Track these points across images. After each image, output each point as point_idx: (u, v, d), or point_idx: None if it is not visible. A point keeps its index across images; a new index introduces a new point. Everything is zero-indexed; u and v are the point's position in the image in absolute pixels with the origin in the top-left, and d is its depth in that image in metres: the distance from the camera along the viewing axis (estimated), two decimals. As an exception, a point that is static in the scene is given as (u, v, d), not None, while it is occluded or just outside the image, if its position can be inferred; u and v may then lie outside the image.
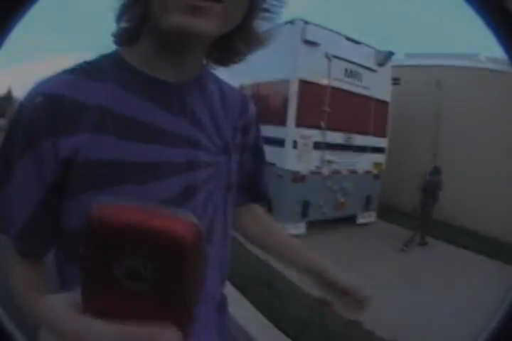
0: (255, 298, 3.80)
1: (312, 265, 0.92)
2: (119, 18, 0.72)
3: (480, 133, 8.47)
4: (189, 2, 0.60)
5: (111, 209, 0.27)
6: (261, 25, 0.77)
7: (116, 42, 0.75)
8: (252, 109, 0.95)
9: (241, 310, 3.48)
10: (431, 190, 6.70)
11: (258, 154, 0.99)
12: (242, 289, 3.92)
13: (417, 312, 4.14)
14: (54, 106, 0.65)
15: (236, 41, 0.76)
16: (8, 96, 66.14)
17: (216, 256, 0.82)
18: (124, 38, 0.73)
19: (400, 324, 3.73)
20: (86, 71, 0.70)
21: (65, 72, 0.70)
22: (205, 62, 0.82)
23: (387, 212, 8.57)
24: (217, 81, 0.88)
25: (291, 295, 4.06)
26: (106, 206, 0.28)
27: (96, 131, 0.66)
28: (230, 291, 3.75)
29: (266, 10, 0.77)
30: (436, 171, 7.01)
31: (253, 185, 1.00)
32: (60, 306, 0.32)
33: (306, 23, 6.26)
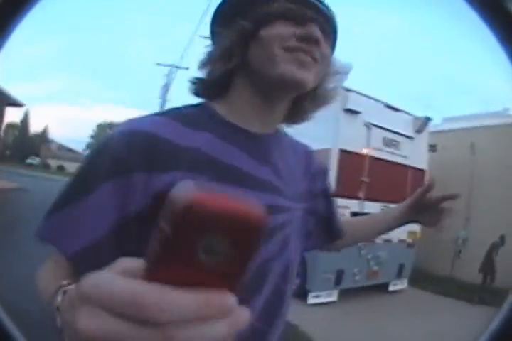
0: None
1: (400, 213, 1.11)
2: (209, 70, 0.84)
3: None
4: (298, 57, 0.76)
5: (200, 194, 0.30)
6: (329, 86, 0.92)
7: (202, 94, 0.86)
8: (318, 159, 1.09)
9: None
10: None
11: (329, 198, 1.09)
12: None
13: None
14: (149, 143, 0.71)
15: (305, 100, 0.90)
16: (43, 136, 67.43)
17: (288, 295, 0.90)
18: (213, 90, 0.85)
19: None
20: (178, 117, 0.78)
21: (157, 114, 0.80)
22: None
23: (420, 278, 8.54)
24: (289, 137, 1.01)
25: None
26: (196, 192, 0.31)
27: (191, 170, 0.72)
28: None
29: (336, 73, 0.91)
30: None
31: (331, 225, 1.10)
32: (119, 278, 0.32)
33: (348, 90, 6.34)
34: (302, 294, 6.40)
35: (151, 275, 0.31)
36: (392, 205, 6.95)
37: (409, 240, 7.51)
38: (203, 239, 0.30)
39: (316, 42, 0.78)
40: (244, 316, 0.34)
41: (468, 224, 9.04)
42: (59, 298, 0.50)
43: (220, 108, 0.83)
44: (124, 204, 0.69)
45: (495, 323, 0.60)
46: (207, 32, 0.89)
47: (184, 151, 0.73)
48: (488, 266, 6.90)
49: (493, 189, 8.86)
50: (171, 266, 0.31)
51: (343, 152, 6.34)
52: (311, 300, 6.35)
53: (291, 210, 0.87)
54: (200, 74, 0.86)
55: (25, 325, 0.64)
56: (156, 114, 0.80)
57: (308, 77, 0.78)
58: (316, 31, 0.78)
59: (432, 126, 8.73)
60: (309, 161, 1.04)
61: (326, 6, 0.84)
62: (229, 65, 0.81)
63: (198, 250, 0.31)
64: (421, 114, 7.84)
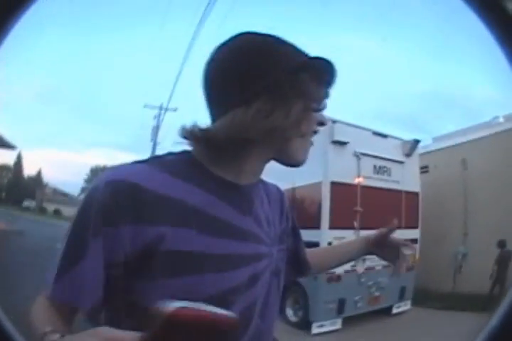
0: None
1: (361, 246, 1.20)
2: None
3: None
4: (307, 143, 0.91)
5: (182, 309, 0.43)
6: None
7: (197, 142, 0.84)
8: (285, 197, 1.15)
9: None
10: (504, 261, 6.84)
11: (297, 234, 1.17)
12: None
13: None
14: (135, 195, 0.73)
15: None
16: (37, 179, 67.59)
17: (268, 334, 0.97)
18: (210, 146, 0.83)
19: None
20: (162, 166, 0.80)
21: (140, 162, 0.82)
22: None
23: (423, 296, 8.62)
24: (263, 182, 1.04)
25: None
26: (177, 307, 0.43)
27: (179, 224, 0.75)
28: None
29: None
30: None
31: (299, 261, 1.18)
32: None
33: (334, 121, 6.49)
34: (305, 325, 6.60)
35: None
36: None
37: (409, 263, 7.62)
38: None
39: (323, 125, 0.93)
40: None
41: (467, 238, 9.17)
42: None
43: (202, 158, 0.85)
44: (113, 256, 0.73)
45: (493, 321, 0.63)
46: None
47: (170, 203, 0.76)
48: (499, 276, 6.86)
49: (488, 201, 8.97)
50: None
51: (335, 184, 6.49)
52: (315, 330, 6.46)
53: (270, 255, 0.92)
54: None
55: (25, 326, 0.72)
56: (138, 162, 0.82)
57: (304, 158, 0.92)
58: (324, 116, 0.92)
59: (421, 148, 8.91)
60: (282, 202, 1.10)
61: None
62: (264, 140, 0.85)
63: None
64: (411, 136, 7.98)
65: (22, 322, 0.65)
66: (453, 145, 9.93)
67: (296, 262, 1.17)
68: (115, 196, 0.73)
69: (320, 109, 0.89)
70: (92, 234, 0.72)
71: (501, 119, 10.28)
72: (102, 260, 0.73)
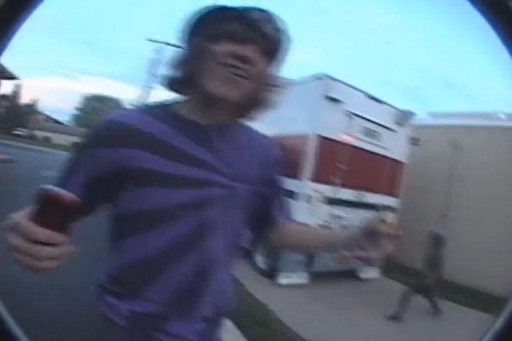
0: (251, 335, 4.26)
1: (350, 236, 1.23)
2: (176, 71, 1.13)
3: (492, 195, 8.92)
4: (228, 72, 1.04)
5: (47, 190, 0.72)
6: (266, 95, 1.20)
7: (168, 87, 1.18)
8: (277, 150, 1.38)
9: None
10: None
11: (276, 187, 1.38)
12: (239, 327, 4.35)
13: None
14: (120, 129, 1.07)
15: (248, 105, 1.20)
16: (32, 107, 67.54)
17: (219, 266, 1.17)
18: (176, 86, 1.17)
19: None
20: (148, 111, 1.14)
21: (136, 109, 1.20)
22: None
23: (394, 269, 8.86)
24: (248, 129, 1.33)
25: (285, 336, 4.51)
26: (46, 189, 0.71)
27: (146, 149, 1.06)
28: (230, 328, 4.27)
29: (273, 86, 1.19)
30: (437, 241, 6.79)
31: (268, 212, 1.37)
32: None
33: (333, 79, 6.72)
34: (273, 274, 6.83)
35: (34, 220, 0.74)
36: (367, 194, 7.30)
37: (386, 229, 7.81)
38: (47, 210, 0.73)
39: (248, 61, 1.03)
40: (70, 249, 0.78)
41: (445, 220, 9.41)
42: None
43: (180, 106, 1.17)
44: (92, 169, 1.07)
45: (498, 324, 0.65)
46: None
47: (142, 135, 1.07)
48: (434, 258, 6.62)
49: (473, 189, 9.22)
50: (37, 219, 0.73)
51: (322, 138, 6.69)
52: (282, 280, 6.73)
53: (230, 187, 1.14)
54: (170, 72, 1.14)
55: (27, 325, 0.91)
56: (135, 109, 1.21)
57: (232, 93, 1.05)
58: (249, 51, 1.04)
59: (416, 120, 9.09)
60: (268, 151, 1.34)
61: (275, 29, 1.08)
62: (190, 75, 1.11)
63: (47, 214, 0.73)
64: (410, 106, 8.13)
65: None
66: (449, 125, 10.09)
67: (266, 213, 1.37)
68: (107, 129, 1.08)
69: (239, 41, 1.04)
70: (84, 151, 1.10)
71: (502, 116, 10.43)
72: (88, 174, 1.08)
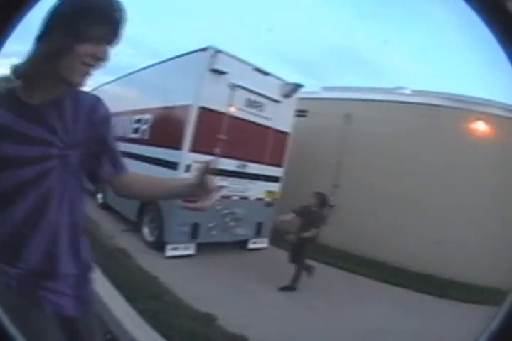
0: (144, 308, 4.24)
1: (187, 185, 1.43)
2: (29, 60, 1.29)
3: (383, 166, 9.35)
4: (87, 70, 1.28)
5: None
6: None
7: (17, 76, 1.32)
8: (103, 110, 1.50)
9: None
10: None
11: (105, 143, 1.52)
12: (131, 300, 4.36)
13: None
14: None
15: None
16: None
17: (67, 229, 1.42)
18: (25, 75, 1.32)
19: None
20: None
21: None
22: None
23: (282, 237, 9.07)
24: (76, 94, 1.44)
25: (177, 308, 4.60)
26: None
27: None
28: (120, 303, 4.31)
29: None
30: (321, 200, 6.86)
31: (98, 166, 1.53)
32: None
33: (218, 51, 6.76)
34: (161, 246, 6.94)
35: None
36: (250, 164, 7.50)
37: (268, 199, 8.12)
38: None
39: (102, 59, 1.29)
40: None
41: (336, 191, 9.82)
42: None
43: (19, 90, 1.31)
44: None
45: (494, 323, 0.66)
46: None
47: None
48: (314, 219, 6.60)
49: (363, 159, 9.62)
50: None
51: (203, 109, 6.77)
52: (169, 252, 6.83)
53: (63, 157, 1.35)
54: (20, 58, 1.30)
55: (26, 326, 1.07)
56: None
57: (84, 81, 1.31)
58: (105, 51, 1.28)
59: (308, 93, 9.36)
60: (93, 111, 1.46)
61: (124, 24, 1.30)
62: (45, 64, 1.26)
63: None
64: (307, 81, 8.31)
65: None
66: (341, 98, 10.32)
67: (98, 169, 1.54)
68: None
69: (92, 45, 1.26)
70: None
71: (408, 91, 10.72)
72: None
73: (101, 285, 4.60)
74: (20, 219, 1.33)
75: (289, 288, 6.19)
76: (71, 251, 1.45)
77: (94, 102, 1.49)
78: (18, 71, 1.31)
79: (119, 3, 1.26)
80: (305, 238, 6.27)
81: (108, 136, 1.53)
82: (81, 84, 1.32)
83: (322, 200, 6.82)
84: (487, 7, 0.67)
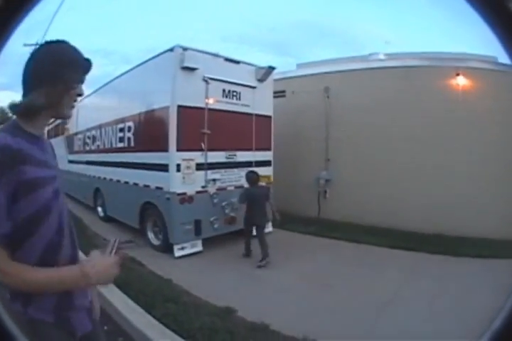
0: (162, 313, 4.40)
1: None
2: (31, 104, 1.54)
3: (371, 135, 9.51)
4: (73, 104, 1.68)
5: None
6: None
7: (19, 115, 1.57)
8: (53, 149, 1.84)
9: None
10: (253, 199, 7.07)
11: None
12: (150, 307, 4.54)
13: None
14: (13, 154, 1.41)
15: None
16: None
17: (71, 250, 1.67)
18: (28, 114, 1.56)
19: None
20: (13, 132, 1.48)
21: (4, 132, 1.49)
22: None
23: (286, 220, 9.01)
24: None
25: (196, 307, 4.73)
26: None
27: (25, 163, 1.43)
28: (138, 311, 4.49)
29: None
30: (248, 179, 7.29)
31: None
32: None
33: (185, 49, 6.88)
34: (168, 248, 7.10)
35: None
36: (238, 153, 7.65)
37: (262, 184, 8.07)
38: None
39: (82, 95, 1.70)
40: None
41: (329, 164, 10.00)
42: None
43: (24, 124, 1.55)
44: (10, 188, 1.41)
45: (497, 323, 0.66)
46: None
47: (24, 153, 1.45)
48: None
49: (350, 131, 9.77)
50: None
51: (182, 107, 6.90)
52: (178, 252, 7.00)
53: (59, 177, 1.64)
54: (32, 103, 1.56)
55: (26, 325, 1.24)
56: (8, 133, 1.48)
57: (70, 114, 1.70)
58: (82, 89, 1.66)
59: (283, 73, 9.47)
60: (54, 151, 1.80)
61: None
62: (47, 108, 1.57)
63: None
64: (283, 61, 8.36)
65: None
66: (317, 73, 10.41)
67: None
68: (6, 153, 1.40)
69: (76, 88, 1.64)
70: None
71: (381, 56, 10.67)
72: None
73: (117, 298, 4.82)
74: (54, 232, 1.56)
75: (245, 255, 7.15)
76: (76, 261, 1.66)
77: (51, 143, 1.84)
78: (16, 109, 1.57)
79: (81, 52, 1.64)
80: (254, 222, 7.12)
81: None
82: (70, 116, 1.72)
83: (248, 179, 7.28)
84: (489, 7, 0.68)
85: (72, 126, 13.23)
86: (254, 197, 7.00)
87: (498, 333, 0.68)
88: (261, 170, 8.02)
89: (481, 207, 7.98)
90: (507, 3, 0.67)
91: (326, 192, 10.11)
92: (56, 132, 15.33)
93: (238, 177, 7.82)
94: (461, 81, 8.50)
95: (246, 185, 7.49)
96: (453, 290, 5.40)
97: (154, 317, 4.33)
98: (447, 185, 8.48)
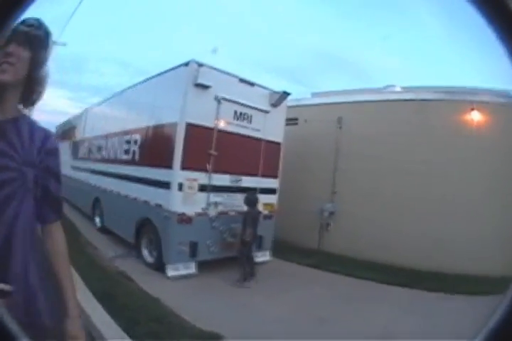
0: (146, 331, 4.29)
1: None
2: None
3: (379, 167, 9.38)
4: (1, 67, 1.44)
5: None
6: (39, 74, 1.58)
7: None
8: (52, 142, 1.66)
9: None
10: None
11: (48, 180, 1.64)
12: (134, 324, 4.40)
13: None
14: None
15: (26, 88, 1.57)
16: None
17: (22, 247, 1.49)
18: None
19: None
20: None
21: None
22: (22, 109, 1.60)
23: (287, 250, 9.13)
24: (30, 123, 1.61)
25: (181, 328, 4.60)
26: None
27: None
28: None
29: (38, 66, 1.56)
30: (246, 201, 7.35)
31: (43, 207, 1.65)
32: None
33: (200, 65, 6.81)
34: (161, 267, 6.94)
35: None
36: (244, 177, 7.54)
37: (266, 212, 8.10)
38: None
39: (10, 54, 1.45)
40: None
41: (335, 197, 9.87)
42: None
43: None
44: None
45: (492, 321, 0.66)
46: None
47: None
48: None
49: (359, 163, 9.63)
50: None
51: (191, 125, 6.81)
52: (170, 272, 6.84)
53: (20, 171, 1.50)
54: None
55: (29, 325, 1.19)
56: None
57: (4, 77, 1.45)
58: (11, 48, 1.46)
59: (297, 101, 9.41)
60: (44, 143, 1.61)
61: (33, 28, 1.53)
62: None
63: None
64: (298, 88, 8.36)
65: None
66: (332, 103, 10.36)
67: (43, 205, 1.66)
68: None
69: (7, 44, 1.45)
70: None
71: (398, 89, 10.74)
72: None
73: (94, 310, 4.65)
74: None
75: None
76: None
77: (46, 134, 1.67)
78: None
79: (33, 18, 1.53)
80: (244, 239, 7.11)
81: (51, 170, 1.67)
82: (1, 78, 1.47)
83: (247, 200, 7.31)
84: (489, 7, 0.68)
85: (79, 132, 13.21)
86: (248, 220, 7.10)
87: (494, 331, 0.67)
88: (265, 198, 7.95)
89: (483, 246, 7.87)
90: (507, 2, 0.66)
91: (328, 224, 9.95)
92: (68, 136, 15.28)
93: (241, 203, 7.64)
94: (476, 116, 8.43)
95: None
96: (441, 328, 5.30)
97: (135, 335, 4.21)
98: (449, 223, 8.36)
